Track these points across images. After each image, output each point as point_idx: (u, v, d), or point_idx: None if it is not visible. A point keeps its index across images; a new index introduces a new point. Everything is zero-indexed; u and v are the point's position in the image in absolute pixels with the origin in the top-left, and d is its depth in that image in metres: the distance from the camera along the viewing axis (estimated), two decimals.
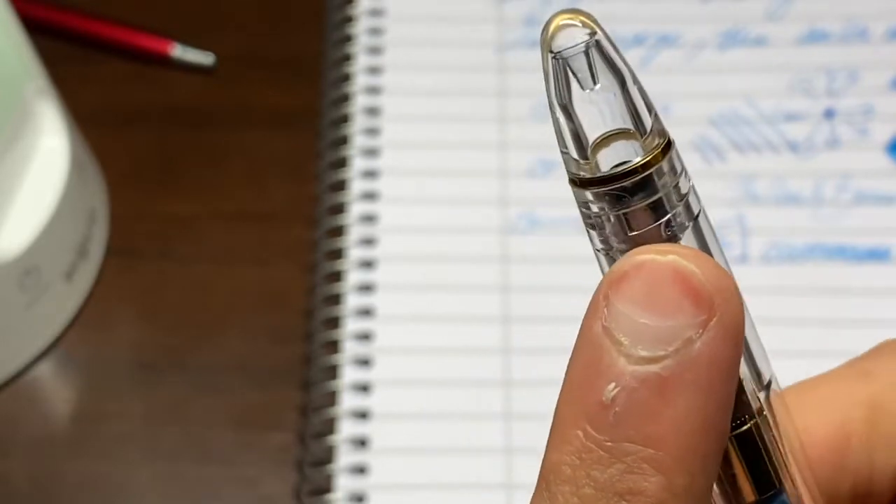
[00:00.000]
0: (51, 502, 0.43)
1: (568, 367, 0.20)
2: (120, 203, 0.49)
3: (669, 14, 0.52)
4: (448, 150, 0.49)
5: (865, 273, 0.45)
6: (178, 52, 0.52)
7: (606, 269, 0.21)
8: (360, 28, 0.52)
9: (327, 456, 0.42)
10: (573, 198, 0.21)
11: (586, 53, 0.20)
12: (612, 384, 0.19)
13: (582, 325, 0.20)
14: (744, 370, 0.21)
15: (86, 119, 0.48)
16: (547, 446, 0.20)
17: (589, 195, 0.20)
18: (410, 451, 0.42)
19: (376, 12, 0.52)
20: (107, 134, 0.50)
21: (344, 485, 0.42)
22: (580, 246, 0.26)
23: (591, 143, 0.20)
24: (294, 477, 0.43)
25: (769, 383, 0.22)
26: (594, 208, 0.20)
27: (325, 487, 0.42)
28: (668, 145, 0.20)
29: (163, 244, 0.48)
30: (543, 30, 0.20)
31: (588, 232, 0.21)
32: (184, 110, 0.51)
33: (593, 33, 0.19)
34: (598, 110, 0.20)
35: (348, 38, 0.52)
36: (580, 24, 0.20)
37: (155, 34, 0.52)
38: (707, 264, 0.19)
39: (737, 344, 0.20)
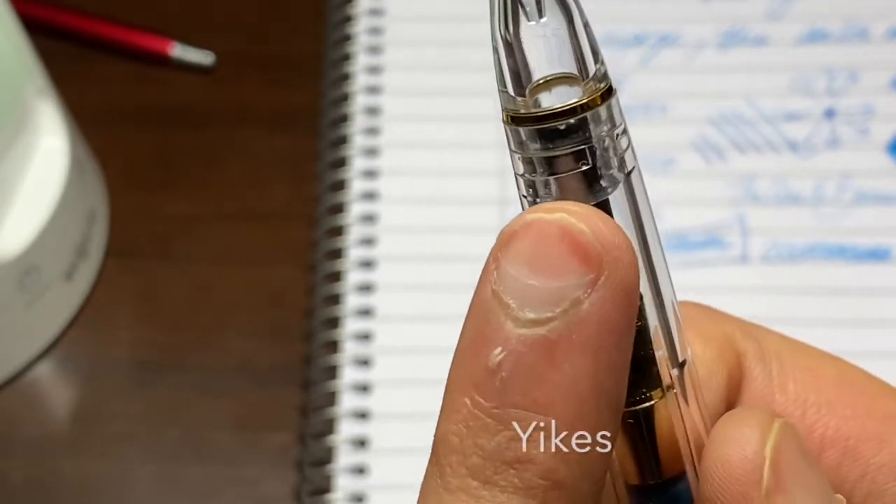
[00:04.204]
0: (51, 502, 0.43)
1: (460, 334, 0.19)
2: (120, 203, 0.49)
3: (669, 14, 0.52)
4: (448, 149, 0.49)
5: (865, 273, 0.45)
6: (178, 51, 0.52)
7: None
8: (360, 28, 0.52)
9: (327, 456, 0.42)
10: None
11: None
12: (499, 349, 0.19)
13: (475, 290, 0.19)
14: (659, 343, 0.20)
15: (86, 119, 0.48)
16: (438, 417, 0.19)
17: (522, 133, 0.19)
18: (410, 451, 0.42)
19: (376, 12, 0.52)
20: (107, 134, 0.50)
21: (344, 485, 0.42)
22: None
23: (531, 83, 0.19)
24: (294, 477, 0.43)
25: (684, 362, 0.21)
26: (525, 150, 0.19)
27: (325, 487, 0.42)
28: (609, 91, 0.19)
29: (163, 244, 0.48)
30: None
31: (515, 178, 0.20)
32: (184, 110, 0.51)
33: None
34: (541, 48, 0.19)
35: (348, 38, 0.52)
36: None
37: (155, 34, 0.52)
38: (597, 221, 0.19)
39: (629, 304, 0.19)
